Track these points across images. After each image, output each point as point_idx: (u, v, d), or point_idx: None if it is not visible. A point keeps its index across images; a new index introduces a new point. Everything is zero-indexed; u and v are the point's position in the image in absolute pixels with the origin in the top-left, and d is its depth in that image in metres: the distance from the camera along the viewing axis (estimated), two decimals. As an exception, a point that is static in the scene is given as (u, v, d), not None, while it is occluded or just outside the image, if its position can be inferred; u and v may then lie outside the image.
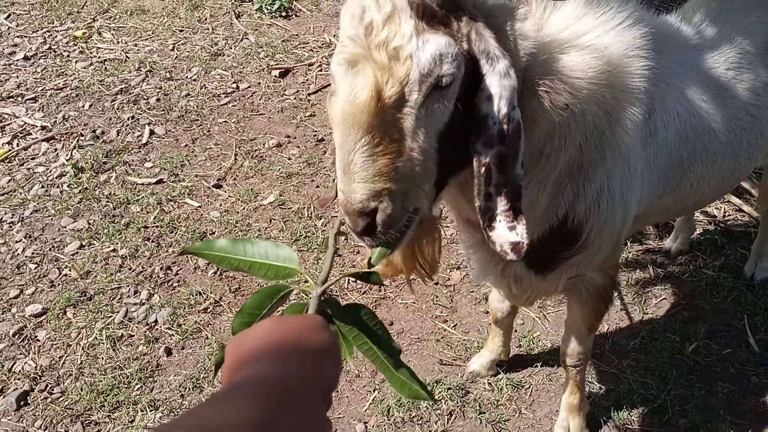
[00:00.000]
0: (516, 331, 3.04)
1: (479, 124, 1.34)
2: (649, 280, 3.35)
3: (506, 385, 2.83)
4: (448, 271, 3.35)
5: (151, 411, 2.70)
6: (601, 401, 2.79)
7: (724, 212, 3.73)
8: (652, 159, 1.83)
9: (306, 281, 1.09)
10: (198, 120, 4.34)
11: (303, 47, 5.16)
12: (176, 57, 4.96)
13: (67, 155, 3.99)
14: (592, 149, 1.63)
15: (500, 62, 1.31)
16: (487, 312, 2.93)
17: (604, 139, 1.63)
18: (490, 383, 2.84)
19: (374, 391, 2.80)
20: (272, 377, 0.80)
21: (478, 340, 2.99)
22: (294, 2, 5.71)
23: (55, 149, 4.06)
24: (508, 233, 1.39)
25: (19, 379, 2.79)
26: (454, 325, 3.09)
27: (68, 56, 4.92)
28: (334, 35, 5.28)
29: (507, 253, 1.40)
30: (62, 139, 4.14)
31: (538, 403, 2.79)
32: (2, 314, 3.05)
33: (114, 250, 3.39)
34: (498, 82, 1.31)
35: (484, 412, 2.73)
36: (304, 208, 3.69)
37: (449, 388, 2.79)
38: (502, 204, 1.38)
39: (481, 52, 1.31)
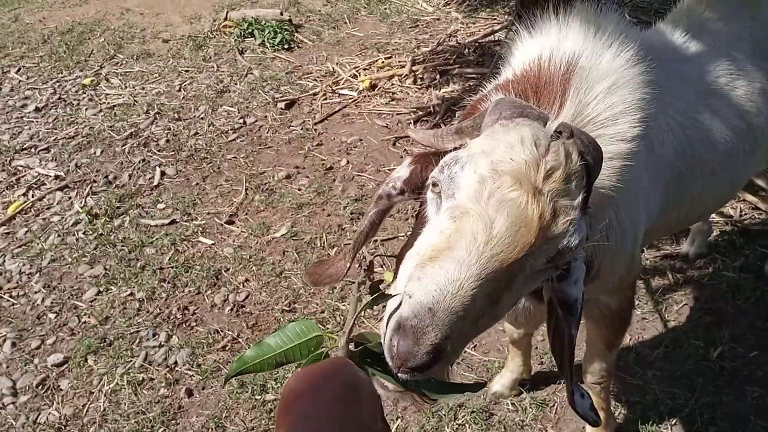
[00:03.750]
0: (537, 348, 3.01)
1: (570, 308, 1.34)
2: (668, 286, 3.30)
3: (530, 404, 2.79)
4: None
5: (175, 454, 2.70)
6: (628, 414, 2.74)
7: (741, 211, 3.68)
8: (653, 175, 1.80)
9: (333, 338, 1.13)
10: (207, 158, 4.39)
11: (307, 77, 5.21)
12: (183, 97, 5.04)
13: (81, 202, 4.05)
14: (600, 196, 1.54)
15: (582, 250, 1.31)
16: (504, 330, 2.90)
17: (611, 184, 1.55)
18: (513, 404, 2.80)
19: (397, 419, 2.78)
20: (306, 429, 0.81)
21: (498, 360, 2.96)
22: (295, 34, 5.78)
23: (69, 197, 4.12)
24: (582, 401, 1.46)
25: (44, 431, 2.81)
26: (474, 346, 3.07)
27: (78, 104, 5.02)
28: (337, 63, 5.33)
29: (592, 419, 1.47)
30: (76, 186, 4.20)
31: (563, 421, 2.74)
32: (25, 366, 3.08)
33: (131, 294, 3.42)
34: (582, 266, 1.33)
35: (509, 434, 2.69)
36: (316, 238, 3.70)
37: (473, 412, 2.76)
38: (570, 375, 1.43)
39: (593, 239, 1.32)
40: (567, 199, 1.17)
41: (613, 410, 2.66)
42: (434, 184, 1.27)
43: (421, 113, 4.69)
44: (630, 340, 3.03)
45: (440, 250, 1.14)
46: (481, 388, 1.15)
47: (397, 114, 4.74)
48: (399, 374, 1.09)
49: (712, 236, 3.48)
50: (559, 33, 1.53)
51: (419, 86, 5.01)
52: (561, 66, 1.47)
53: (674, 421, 2.70)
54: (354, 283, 1.20)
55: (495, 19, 5.88)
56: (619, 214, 1.67)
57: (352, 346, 1.13)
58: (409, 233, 3.59)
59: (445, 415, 2.76)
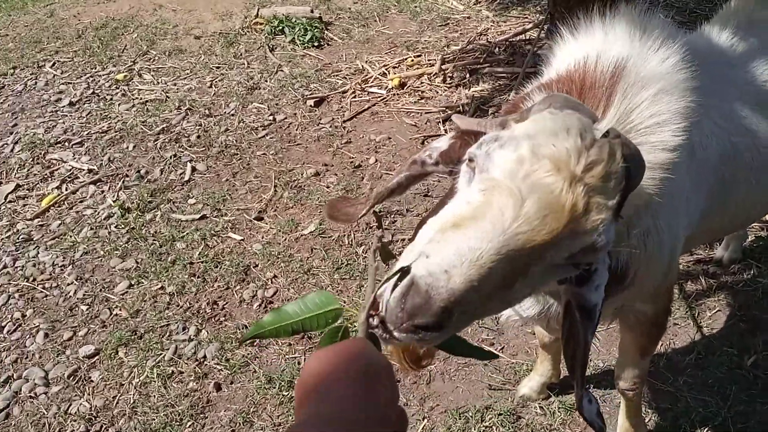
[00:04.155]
0: (565, 351, 2.98)
1: (588, 313, 1.32)
2: (701, 291, 3.25)
3: (559, 408, 2.77)
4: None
5: (203, 448, 2.73)
6: (659, 421, 2.70)
7: (777, 217, 3.60)
8: (695, 180, 1.77)
9: (352, 312, 1.13)
10: (237, 154, 4.42)
11: (336, 75, 5.22)
12: (214, 93, 5.08)
13: (113, 196, 4.10)
14: (636, 206, 1.50)
15: (607, 257, 1.30)
16: (534, 333, 2.88)
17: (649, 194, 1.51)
18: (541, 407, 2.78)
19: (423, 419, 2.78)
20: (325, 414, 0.82)
21: (527, 363, 2.94)
22: (325, 32, 5.79)
23: (102, 191, 4.18)
24: (590, 406, 1.43)
25: (75, 421, 2.86)
26: (501, 348, 3.05)
27: (111, 99, 5.08)
28: (366, 61, 5.33)
29: (598, 426, 1.44)
30: (108, 180, 4.26)
31: (592, 425, 2.71)
32: (57, 357, 3.13)
33: (162, 288, 3.46)
34: (605, 273, 1.31)
35: (537, 437, 2.67)
36: (344, 236, 3.70)
37: (500, 414, 2.74)
38: (581, 380, 1.41)
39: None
40: (602, 198, 1.14)
41: (644, 417, 2.62)
42: (470, 159, 1.25)
43: (450, 112, 4.66)
44: (661, 346, 2.98)
45: (465, 219, 1.13)
46: (492, 358, 1.19)
47: (426, 113, 4.72)
48: (396, 332, 1.07)
49: (746, 241, 3.42)
50: (605, 35, 1.51)
51: (449, 85, 4.99)
52: (608, 70, 1.44)
53: (706, 429, 2.66)
54: (368, 257, 1.19)
55: (526, 17, 5.83)
56: (658, 221, 1.64)
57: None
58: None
59: (471, 416, 2.75)
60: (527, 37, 5.43)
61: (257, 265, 3.58)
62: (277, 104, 4.91)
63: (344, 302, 3.30)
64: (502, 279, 1.11)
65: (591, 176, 1.13)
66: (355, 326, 1.11)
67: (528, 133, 1.19)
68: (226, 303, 3.37)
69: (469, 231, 1.10)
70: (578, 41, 1.56)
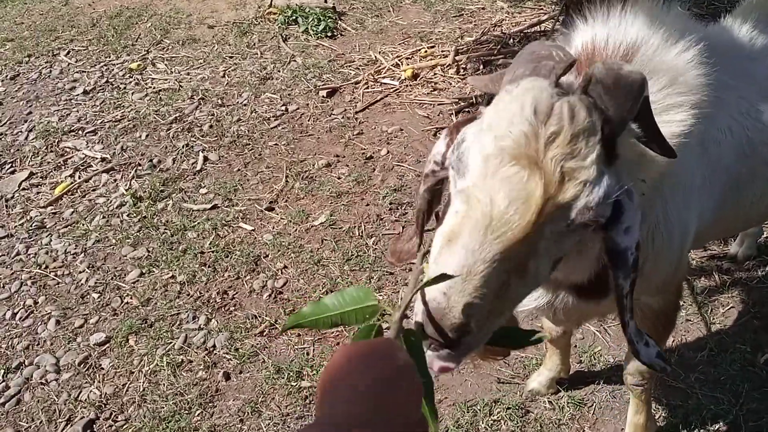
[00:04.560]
0: (576, 346, 2.96)
1: (618, 257, 1.30)
2: (714, 287, 3.21)
3: (568, 403, 2.75)
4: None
5: (211, 436, 2.74)
6: (669, 418, 2.68)
7: (794, 213, 3.55)
8: (708, 175, 1.73)
9: (389, 313, 1.14)
10: (249, 144, 4.42)
11: (349, 66, 5.20)
12: (227, 83, 5.08)
13: (126, 185, 4.12)
14: (648, 193, 1.49)
15: (635, 196, 1.27)
16: (542, 327, 2.86)
17: (661, 180, 1.50)
18: (550, 402, 2.77)
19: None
20: (343, 413, 0.82)
21: (536, 357, 2.92)
22: (339, 22, 5.77)
23: (115, 180, 4.19)
24: (647, 349, 1.42)
25: (85, 408, 2.88)
26: (511, 342, 3.03)
27: (125, 88, 5.10)
28: (379, 52, 5.31)
29: (658, 366, 1.43)
30: (121, 169, 4.28)
31: (602, 421, 2.70)
32: (68, 344, 3.16)
33: (173, 277, 3.47)
34: (635, 214, 1.27)
35: (546, 432, 2.66)
36: (354, 227, 3.70)
37: (508, 408, 2.73)
38: (632, 325, 1.39)
39: (624, 188, 1.24)
40: (576, 161, 1.14)
41: (654, 413, 2.60)
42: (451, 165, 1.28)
43: (463, 104, 4.64)
44: (673, 342, 2.96)
45: (454, 234, 1.16)
46: (538, 342, 1.22)
47: (439, 104, 4.69)
48: (429, 350, 1.14)
49: (762, 238, 3.37)
50: (620, 21, 1.48)
51: (462, 76, 4.95)
52: (619, 51, 1.42)
53: (717, 427, 2.63)
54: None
55: (542, 9, 5.78)
56: (667, 211, 1.62)
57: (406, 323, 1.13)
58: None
59: (480, 410, 2.74)
60: (542, 29, 5.38)
61: (267, 256, 3.58)
62: (289, 94, 4.90)
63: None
64: (505, 275, 1.13)
65: (555, 147, 1.13)
66: (388, 326, 1.11)
67: (490, 124, 1.21)
68: (236, 293, 3.38)
69: (457, 248, 1.13)
70: (590, 27, 1.53)
